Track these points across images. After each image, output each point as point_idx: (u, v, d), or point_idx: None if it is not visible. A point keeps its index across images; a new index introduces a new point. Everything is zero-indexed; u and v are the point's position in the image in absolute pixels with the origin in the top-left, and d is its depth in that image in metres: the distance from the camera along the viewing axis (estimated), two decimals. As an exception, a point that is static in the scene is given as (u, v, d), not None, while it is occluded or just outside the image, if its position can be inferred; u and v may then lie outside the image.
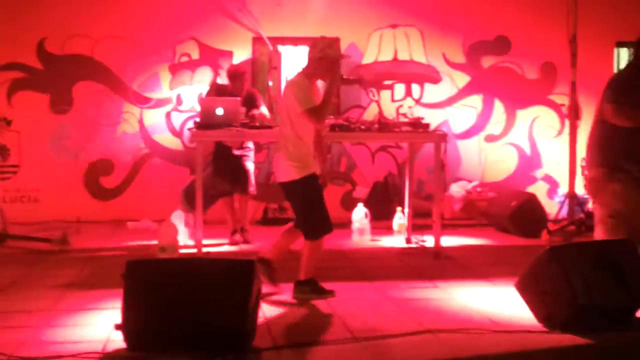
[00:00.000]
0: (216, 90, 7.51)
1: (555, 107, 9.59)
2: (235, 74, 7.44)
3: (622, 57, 10.22)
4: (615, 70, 10.11)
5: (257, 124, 6.82)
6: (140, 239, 7.63)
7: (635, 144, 4.87)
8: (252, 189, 7.48)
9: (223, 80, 8.57)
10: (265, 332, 4.28)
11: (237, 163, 7.37)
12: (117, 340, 3.94)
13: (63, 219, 8.55)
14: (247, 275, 3.98)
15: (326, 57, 5.12)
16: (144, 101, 9.03)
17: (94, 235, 7.93)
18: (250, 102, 7.29)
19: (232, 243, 7.34)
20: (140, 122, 9.04)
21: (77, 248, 7.07)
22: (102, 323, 4.42)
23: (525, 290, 4.56)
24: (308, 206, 5.19)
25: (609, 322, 4.30)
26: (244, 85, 7.42)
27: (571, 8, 8.52)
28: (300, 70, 5.25)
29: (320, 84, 5.35)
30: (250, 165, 7.51)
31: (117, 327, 3.85)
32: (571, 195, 8.42)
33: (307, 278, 5.24)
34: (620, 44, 10.07)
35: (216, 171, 7.32)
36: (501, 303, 5.04)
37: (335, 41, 5.44)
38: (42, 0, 8.78)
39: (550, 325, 4.34)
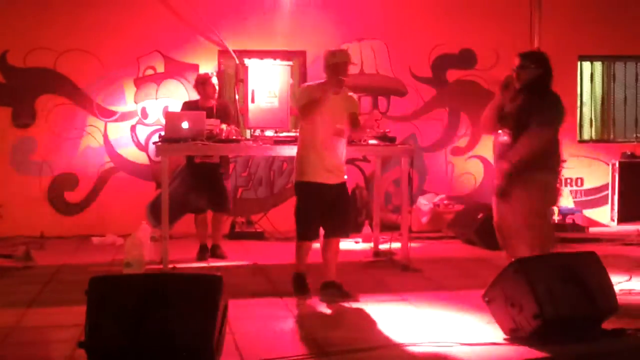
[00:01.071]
0: (187, 108, 7.36)
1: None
2: (203, 79, 7.34)
3: (585, 70, 10.38)
4: (578, 83, 10.28)
5: (224, 137, 6.78)
6: (105, 254, 7.53)
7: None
8: (228, 207, 7.45)
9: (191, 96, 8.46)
10: (233, 348, 4.24)
11: (214, 180, 7.28)
12: (81, 358, 3.86)
13: (26, 235, 8.41)
14: (214, 291, 3.92)
15: (330, 65, 5.58)
16: (108, 114, 8.94)
17: (58, 250, 7.81)
18: (224, 114, 7.22)
19: (200, 259, 7.27)
20: (105, 135, 8.94)
21: (40, 264, 6.95)
22: (66, 340, 4.34)
23: (492, 302, 4.57)
24: (296, 208, 5.70)
25: (575, 334, 4.33)
26: (214, 90, 7.33)
27: (535, 22, 8.64)
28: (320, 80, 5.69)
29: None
30: (225, 182, 7.46)
31: (80, 344, 3.78)
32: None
33: (295, 272, 5.71)
34: (583, 58, 10.23)
35: (191, 187, 7.22)
36: (468, 315, 5.05)
37: (340, 51, 5.92)
38: (4, 13, 8.67)
39: (517, 337, 4.35)
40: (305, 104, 5.49)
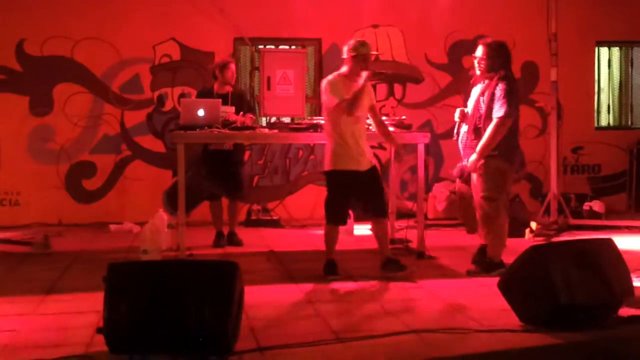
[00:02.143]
0: (202, 95, 7.36)
1: (537, 106, 9.63)
2: (223, 64, 7.30)
3: (603, 56, 10.30)
4: (595, 69, 10.20)
5: (239, 125, 6.78)
6: (122, 241, 7.58)
7: None
8: (242, 194, 7.47)
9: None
10: (249, 333, 4.26)
11: (228, 167, 7.30)
12: (100, 344, 3.90)
13: (45, 222, 8.49)
14: (230, 277, 3.95)
15: (359, 56, 5.73)
16: (124, 103, 8.98)
17: (76, 238, 7.87)
18: (239, 102, 7.22)
19: (216, 246, 7.30)
20: (121, 123, 8.98)
21: (58, 251, 7.02)
22: (84, 326, 4.38)
23: (508, 289, 4.56)
24: (327, 195, 5.92)
25: (591, 320, 4.32)
26: (233, 76, 7.31)
27: (552, 7, 8.56)
28: (339, 71, 5.87)
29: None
30: (240, 169, 7.47)
31: (99, 330, 3.82)
32: (555, 195, 8.45)
33: (326, 259, 5.93)
34: (601, 43, 10.15)
35: (205, 174, 7.25)
36: (484, 302, 5.04)
37: (366, 42, 5.90)
38: (21, 1, 8.71)
39: (533, 324, 4.35)
40: (351, 100, 5.64)
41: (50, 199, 8.78)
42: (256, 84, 9.13)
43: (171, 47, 9.04)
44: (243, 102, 7.33)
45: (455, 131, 6.19)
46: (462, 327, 4.37)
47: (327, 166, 5.91)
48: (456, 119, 6.10)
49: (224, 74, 7.22)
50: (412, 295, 5.34)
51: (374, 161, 6.12)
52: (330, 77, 5.87)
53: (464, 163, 6.01)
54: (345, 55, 5.86)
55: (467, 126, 5.96)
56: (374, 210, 5.96)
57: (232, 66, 7.25)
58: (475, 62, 5.95)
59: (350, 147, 5.78)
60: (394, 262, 5.90)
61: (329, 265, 5.92)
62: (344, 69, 5.87)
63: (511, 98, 5.72)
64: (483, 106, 5.81)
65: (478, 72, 5.95)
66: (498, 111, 5.71)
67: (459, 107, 9.31)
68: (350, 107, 5.66)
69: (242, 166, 7.61)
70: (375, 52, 5.91)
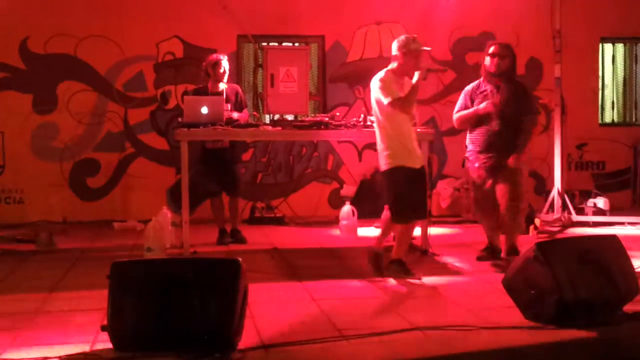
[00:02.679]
0: (196, 94, 7.32)
1: (541, 102, 9.60)
2: (213, 61, 7.26)
3: (607, 53, 10.28)
4: (600, 65, 10.17)
5: (242, 122, 6.79)
6: (126, 239, 7.59)
7: None
8: (238, 191, 7.48)
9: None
10: (253, 331, 4.26)
11: (225, 164, 7.32)
12: (104, 342, 3.90)
13: (48, 220, 8.50)
14: (234, 274, 3.95)
15: (411, 52, 5.66)
16: (128, 100, 8.98)
17: (80, 236, 7.88)
18: (235, 99, 7.22)
19: (219, 243, 7.31)
20: (125, 121, 8.99)
21: (62, 249, 7.03)
22: (89, 324, 4.38)
23: (513, 286, 4.55)
24: (394, 194, 5.74)
25: (596, 318, 4.31)
26: (224, 73, 7.27)
27: (556, 3, 8.54)
28: (387, 68, 5.77)
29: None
30: (235, 166, 7.49)
31: (104, 328, 3.82)
32: (559, 192, 8.43)
33: (397, 257, 5.75)
34: (605, 39, 10.12)
35: (203, 172, 7.26)
36: (489, 299, 5.04)
37: (417, 38, 5.81)
38: (25, 0, 8.70)
39: (538, 321, 4.34)
40: (405, 99, 5.60)
41: (54, 197, 8.78)
42: (259, 82, 9.12)
43: (174, 44, 9.04)
44: (238, 99, 7.31)
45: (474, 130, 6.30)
46: (466, 325, 4.36)
47: (386, 165, 5.75)
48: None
49: (216, 72, 7.20)
50: (416, 293, 5.34)
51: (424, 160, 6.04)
52: (380, 74, 5.74)
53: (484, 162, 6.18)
54: (394, 52, 5.76)
55: (493, 124, 6.11)
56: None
57: (222, 64, 7.21)
58: (488, 60, 6.17)
59: (406, 144, 5.71)
60: (400, 265, 5.78)
61: (402, 264, 5.78)
62: (393, 65, 5.76)
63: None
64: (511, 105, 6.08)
65: (492, 70, 6.15)
66: (533, 109, 6.21)
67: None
68: (405, 105, 5.60)
69: (237, 163, 7.61)
70: (426, 48, 5.81)
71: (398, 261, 5.76)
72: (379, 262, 5.86)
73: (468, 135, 6.41)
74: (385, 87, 5.64)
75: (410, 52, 5.67)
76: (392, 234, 6.10)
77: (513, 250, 6.01)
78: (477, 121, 6.22)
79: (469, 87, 6.42)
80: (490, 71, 6.18)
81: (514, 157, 6.05)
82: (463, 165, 6.53)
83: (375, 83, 5.73)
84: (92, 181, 8.97)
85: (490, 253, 6.41)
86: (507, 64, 6.17)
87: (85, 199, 8.93)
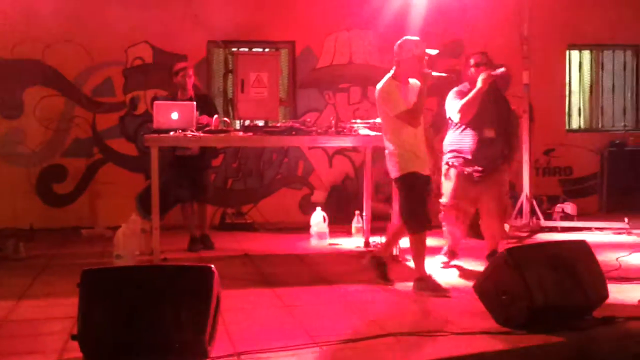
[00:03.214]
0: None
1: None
2: (178, 70, 7.25)
3: (574, 59, 10.41)
4: (567, 72, 10.30)
5: (214, 128, 6.75)
6: (95, 246, 7.51)
7: None
8: (207, 198, 7.46)
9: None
10: (225, 338, 4.24)
11: (194, 170, 7.28)
12: (74, 350, 3.85)
13: (15, 227, 8.36)
14: (206, 281, 3.93)
15: (414, 56, 5.39)
16: (96, 106, 8.88)
17: (48, 243, 7.77)
18: (203, 106, 7.16)
19: (190, 250, 7.26)
20: (93, 127, 8.89)
21: (29, 256, 6.92)
22: (57, 333, 4.32)
23: (484, 292, 4.59)
24: (410, 202, 5.50)
25: (566, 323, 4.36)
26: (190, 81, 7.25)
27: (524, 11, 8.64)
28: (389, 74, 5.51)
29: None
30: (206, 173, 7.46)
31: (74, 337, 3.77)
32: (527, 197, 8.51)
33: (419, 275, 5.49)
34: (572, 46, 10.25)
35: (173, 178, 7.22)
36: (462, 305, 5.07)
37: (421, 41, 5.55)
38: (-9, 4, 8.59)
39: (509, 326, 4.37)
40: (411, 111, 5.36)
41: (20, 204, 8.64)
42: (230, 87, 9.09)
43: (144, 49, 8.96)
44: (207, 106, 7.28)
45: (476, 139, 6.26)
46: (439, 330, 4.38)
47: (396, 172, 5.53)
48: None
49: (182, 80, 7.18)
50: (389, 299, 5.35)
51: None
52: (382, 84, 5.49)
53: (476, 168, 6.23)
54: (396, 57, 5.48)
55: (485, 131, 6.21)
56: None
57: (189, 71, 7.20)
58: (473, 70, 6.33)
59: (415, 150, 5.49)
60: (424, 281, 5.46)
61: (426, 280, 5.47)
62: (395, 70, 5.49)
63: None
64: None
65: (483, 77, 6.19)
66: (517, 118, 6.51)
67: (432, 109, 9.42)
68: (413, 116, 5.37)
69: (207, 169, 7.58)
70: (432, 51, 5.48)
71: (421, 278, 5.47)
72: (383, 269, 5.75)
73: (451, 139, 6.40)
74: (389, 99, 5.40)
75: (414, 57, 5.40)
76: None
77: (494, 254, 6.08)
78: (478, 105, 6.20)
79: (460, 88, 6.42)
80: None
81: (506, 166, 6.28)
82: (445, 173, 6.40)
83: (378, 94, 5.50)
84: (60, 187, 8.86)
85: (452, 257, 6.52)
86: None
87: (52, 206, 8.81)
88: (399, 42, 5.55)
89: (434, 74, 5.49)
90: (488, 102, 6.24)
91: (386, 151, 5.62)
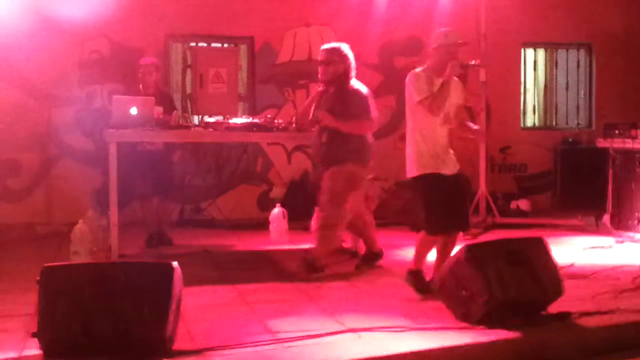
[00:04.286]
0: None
1: (466, 106, 9.79)
2: (141, 65, 7.21)
3: (529, 58, 10.58)
4: (522, 70, 10.46)
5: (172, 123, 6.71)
6: (50, 242, 7.40)
7: None
8: (172, 194, 7.41)
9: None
10: (186, 335, 4.23)
11: (159, 167, 7.22)
12: (33, 348, 3.80)
13: (-33, 223, 8.20)
14: (166, 278, 3.91)
15: (442, 46, 5.17)
16: (51, 99, 8.73)
17: (3, 239, 7.62)
18: (166, 102, 7.12)
19: (149, 246, 7.20)
20: (48, 121, 8.73)
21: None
22: (16, 330, 4.26)
23: (443, 287, 4.65)
24: (424, 203, 5.32)
25: (523, 317, 4.44)
26: (156, 77, 7.21)
27: (480, 9, 8.75)
28: (423, 66, 5.30)
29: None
30: (170, 169, 7.41)
31: (34, 334, 3.73)
32: (483, 193, 8.62)
33: (415, 268, 5.41)
34: (526, 44, 10.42)
35: (133, 173, 7.14)
36: (418, 300, 5.12)
37: (451, 31, 5.31)
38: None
39: (468, 321, 4.44)
40: (435, 98, 5.08)
41: (-27, 199, 8.48)
42: (188, 83, 9.03)
43: (101, 43, 8.84)
44: (169, 102, 7.23)
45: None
46: (398, 326, 4.42)
47: (413, 171, 5.28)
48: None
49: (144, 77, 7.13)
50: (348, 295, 5.38)
51: (459, 166, 5.45)
52: (416, 70, 5.26)
53: None
54: (429, 49, 5.31)
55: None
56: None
57: (150, 68, 7.15)
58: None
59: (435, 149, 5.22)
60: (417, 277, 5.39)
61: (419, 278, 5.37)
62: (429, 62, 5.28)
63: None
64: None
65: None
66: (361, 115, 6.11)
67: (391, 107, 9.47)
68: (434, 104, 5.08)
69: (172, 166, 7.53)
70: (461, 41, 5.24)
71: (414, 272, 5.41)
72: (419, 280, 5.41)
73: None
74: (416, 86, 5.15)
75: (442, 47, 5.17)
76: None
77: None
78: None
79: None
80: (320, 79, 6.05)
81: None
82: None
83: (406, 83, 5.25)
84: (14, 182, 8.69)
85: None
86: (334, 70, 5.98)
87: (6, 201, 8.65)
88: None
89: (464, 65, 5.29)
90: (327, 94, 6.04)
91: (406, 149, 5.38)
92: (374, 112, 6.03)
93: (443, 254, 5.32)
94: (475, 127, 5.64)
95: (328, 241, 6.00)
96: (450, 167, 5.30)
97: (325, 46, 6.16)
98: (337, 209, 5.94)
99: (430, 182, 5.24)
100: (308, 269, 5.89)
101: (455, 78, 5.35)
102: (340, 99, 5.96)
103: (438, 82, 5.15)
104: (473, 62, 5.47)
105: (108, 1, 8.66)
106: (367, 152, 6.09)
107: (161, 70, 7.43)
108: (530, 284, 4.46)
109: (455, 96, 5.31)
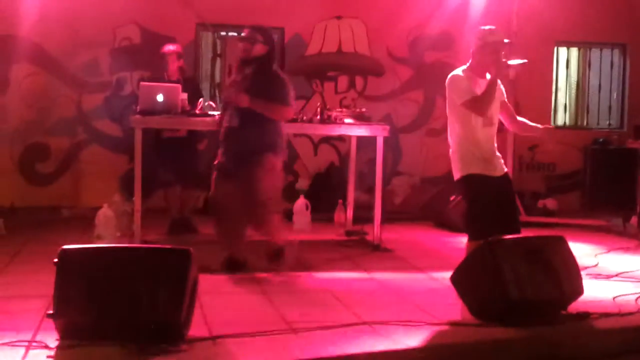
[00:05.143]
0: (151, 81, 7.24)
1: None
2: (164, 53, 7.23)
3: (561, 56, 10.44)
4: (554, 69, 10.33)
5: (198, 111, 6.72)
6: (76, 226, 7.48)
7: None
8: (197, 183, 7.42)
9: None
10: (202, 321, 4.25)
11: (182, 155, 7.25)
12: (49, 330, 3.84)
13: (-4, 205, 8.31)
14: (183, 264, 3.93)
15: (487, 45, 4.85)
16: (82, 85, 8.82)
17: (29, 222, 7.73)
18: (192, 88, 7.14)
19: (171, 233, 7.25)
20: (78, 106, 8.83)
21: (10, 234, 6.90)
22: (33, 311, 4.31)
23: (460, 283, 4.61)
24: (466, 206, 5.06)
25: (541, 316, 4.39)
26: (178, 64, 7.24)
27: (512, 6, 8.65)
28: (464, 65, 4.99)
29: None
30: (195, 157, 7.43)
31: (49, 315, 3.77)
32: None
33: None
34: (559, 43, 10.28)
35: (158, 160, 7.17)
36: (436, 296, 5.10)
37: (496, 29, 4.97)
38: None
39: (484, 318, 4.40)
40: (479, 99, 4.78)
41: (2, 182, 8.57)
42: (217, 71, 9.05)
43: (132, 30, 8.90)
44: (195, 88, 7.25)
45: None
46: (414, 320, 4.41)
47: (456, 173, 5.00)
48: None
49: (168, 63, 7.17)
50: (365, 287, 5.37)
51: (506, 169, 5.17)
52: (455, 71, 4.96)
53: None
54: (471, 48, 4.96)
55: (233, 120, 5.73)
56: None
57: (173, 57, 7.18)
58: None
59: (479, 151, 4.92)
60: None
61: None
62: (470, 62, 4.96)
63: None
64: None
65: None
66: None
67: (419, 101, 9.42)
68: (480, 105, 4.78)
69: (196, 154, 7.55)
70: (507, 40, 4.97)
71: None
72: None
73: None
74: (456, 87, 4.87)
75: (486, 46, 4.84)
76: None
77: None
78: None
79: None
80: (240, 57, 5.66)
81: (264, 158, 5.68)
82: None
83: (447, 84, 4.96)
84: (43, 166, 8.80)
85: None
86: (258, 50, 5.60)
87: (34, 184, 8.75)
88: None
89: (511, 62, 4.98)
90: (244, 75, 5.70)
91: (450, 151, 5.10)
92: (293, 100, 5.83)
93: None
94: (539, 126, 5.15)
95: (278, 226, 5.83)
96: (495, 168, 4.98)
97: (250, 26, 5.76)
98: (273, 202, 5.69)
99: (472, 185, 4.92)
100: (278, 259, 5.77)
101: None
102: (262, 80, 5.56)
103: (482, 82, 4.88)
104: (521, 61, 5.05)
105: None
106: (282, 141, 5.82)
107: (184, 58, 7.41)
108: (548, 283, 4.41)
109: (498, 94, 4.99)
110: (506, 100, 5.12)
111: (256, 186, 5.57)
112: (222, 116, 5.92)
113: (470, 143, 4.92)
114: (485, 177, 4.90)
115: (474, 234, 4.86)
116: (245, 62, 5.68)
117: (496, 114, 5.00)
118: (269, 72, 5.66)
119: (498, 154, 5.06)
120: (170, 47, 7.33)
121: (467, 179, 4.92)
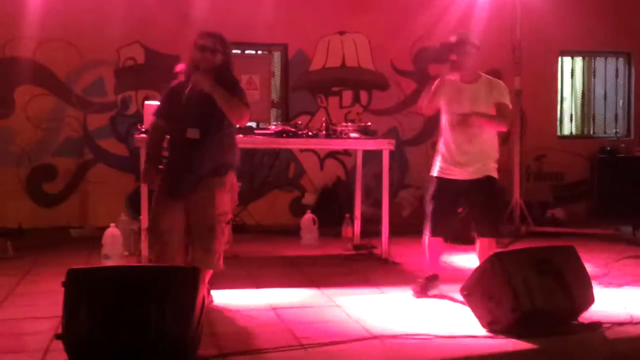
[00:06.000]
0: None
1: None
2: (177, 72, 7.24)
3: (566, 66, 10.44)
4: (559, 78, 10.33)
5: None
6: (83, 246, 7.47)
7: None
8: None
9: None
10: (211, 339, 4.22)
11: None
12: (58, 350, 3.82)
13: (4, 226, 8.32)
14: (192, 283, 3.91)
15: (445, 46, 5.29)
16: (87, 105, 8.85)
17: (36, 242, 7.73)
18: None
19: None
20: (84, 126, 8.86)
21: (17, 255, 6.90)
22: (42, 332, 4.30)
23: (470, 295, 4.59)
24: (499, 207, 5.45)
25: (552, 327, 4.36)
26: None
27: (516, 16, 8.65)
28: None
29: None
30: None
31: (58, 336, 3.75)
32: (517, 202, 8.51)
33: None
34: (564, 53, 10.28)
35: None
36: (447, 308, 5.07)
37: (459, 32, 5.46)
38: (-18, 2, 8.55)
39: (494, 330, 4.37)
40: (427, 95, 5.30)
41: (10, 203, 8.60)
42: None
43: (136, 50, 8.94)
44: None
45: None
46: (424, 333, 4.38)
47: (494, 173, 5.36)
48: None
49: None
50: (375, 301, 5.34)
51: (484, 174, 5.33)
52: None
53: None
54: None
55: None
56: (478, 228, 5.39)
57: (181, 74, 7.13)
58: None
59: (448, 151, 5.30)
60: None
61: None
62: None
63: None
64: None
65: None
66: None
67: (423, 114, 9.38)
68: (419, 101, 5.28)
69: None
70: (473, 43, 5.38)
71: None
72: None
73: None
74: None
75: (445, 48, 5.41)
76: None
77: None
78: None
79: None
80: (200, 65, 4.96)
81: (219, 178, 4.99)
82: None
83: (502, 87, 5.36)
84: (50, 187, 8.82)
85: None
86: (217, 60, 5.00)
87: (42, 205, 8.77)
88: None
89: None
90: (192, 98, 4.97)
91: (479, 155, 5.36)
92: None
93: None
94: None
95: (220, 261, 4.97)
96: (464, 173, 5.27)
97: (207, 32, 5.17)
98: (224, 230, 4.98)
99: (433, 184, 5.40)
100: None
101: (491, 78, 5.43)
102: (223, 84, 4.88)
103: (464, 86, 5.32)
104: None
105: (143, 9, 8.77)
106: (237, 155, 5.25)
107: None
108: (559, 293, 4.38)
109: (488, 96, 5.27)
110: (504, 102, 5.29)
111: (211, 211, 4.84)
112: (178, 124, 5.03)
113: (442, 144, 5.33)
114: (444, 181, 5.30)
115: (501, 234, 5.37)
116: (204, 71, 4.98)
117: (459, 118, 5.19)
118: (229, 76, 5.11)
119: (474, 157, 5.25)
120: (180, 67, 7.33)
121: (432, 179, 5.42)
